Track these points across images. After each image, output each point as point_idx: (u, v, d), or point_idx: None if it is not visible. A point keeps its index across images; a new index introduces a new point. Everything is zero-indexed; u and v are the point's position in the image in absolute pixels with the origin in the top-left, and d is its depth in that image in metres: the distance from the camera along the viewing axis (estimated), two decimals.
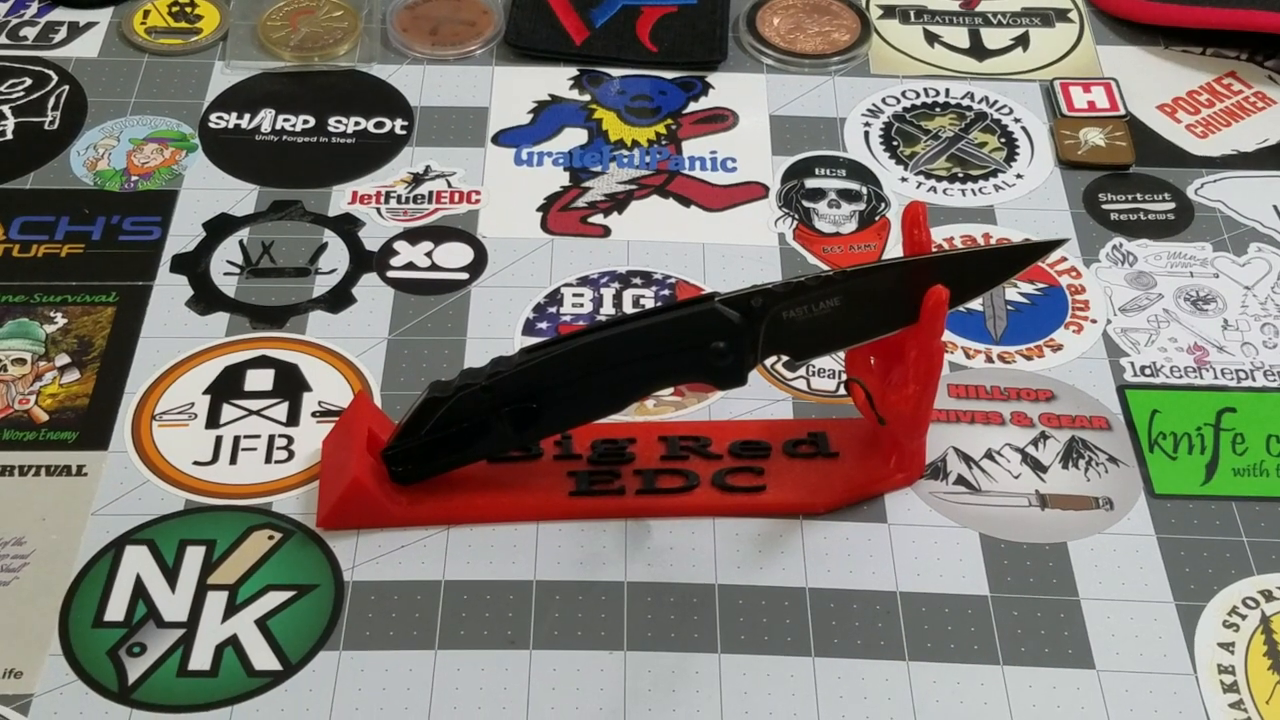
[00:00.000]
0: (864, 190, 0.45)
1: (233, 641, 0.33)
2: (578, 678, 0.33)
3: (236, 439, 0.37)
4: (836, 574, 0.35)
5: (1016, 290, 0.42)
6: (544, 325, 0.41)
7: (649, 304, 0.41)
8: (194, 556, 0.35)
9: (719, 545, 0.35)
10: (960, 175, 0.46)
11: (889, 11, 0.52)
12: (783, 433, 0.38)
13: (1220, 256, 0.44)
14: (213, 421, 0.38)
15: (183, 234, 0.43)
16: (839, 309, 0.34)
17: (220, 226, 0.43)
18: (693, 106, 0.48)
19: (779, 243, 0.44)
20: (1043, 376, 0.40)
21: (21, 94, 0.47)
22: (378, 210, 0.44)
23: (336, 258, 0.43)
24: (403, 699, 0.32)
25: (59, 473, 0.36)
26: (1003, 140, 0.47)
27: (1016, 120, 0.48)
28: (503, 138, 0.47)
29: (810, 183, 0.46)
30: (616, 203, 0.45)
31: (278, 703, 0.32)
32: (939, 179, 0.46)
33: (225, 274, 0.42)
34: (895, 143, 0.47)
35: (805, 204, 0.45)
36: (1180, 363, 0.40)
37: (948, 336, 0.40)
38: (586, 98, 0.48)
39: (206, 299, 0.41)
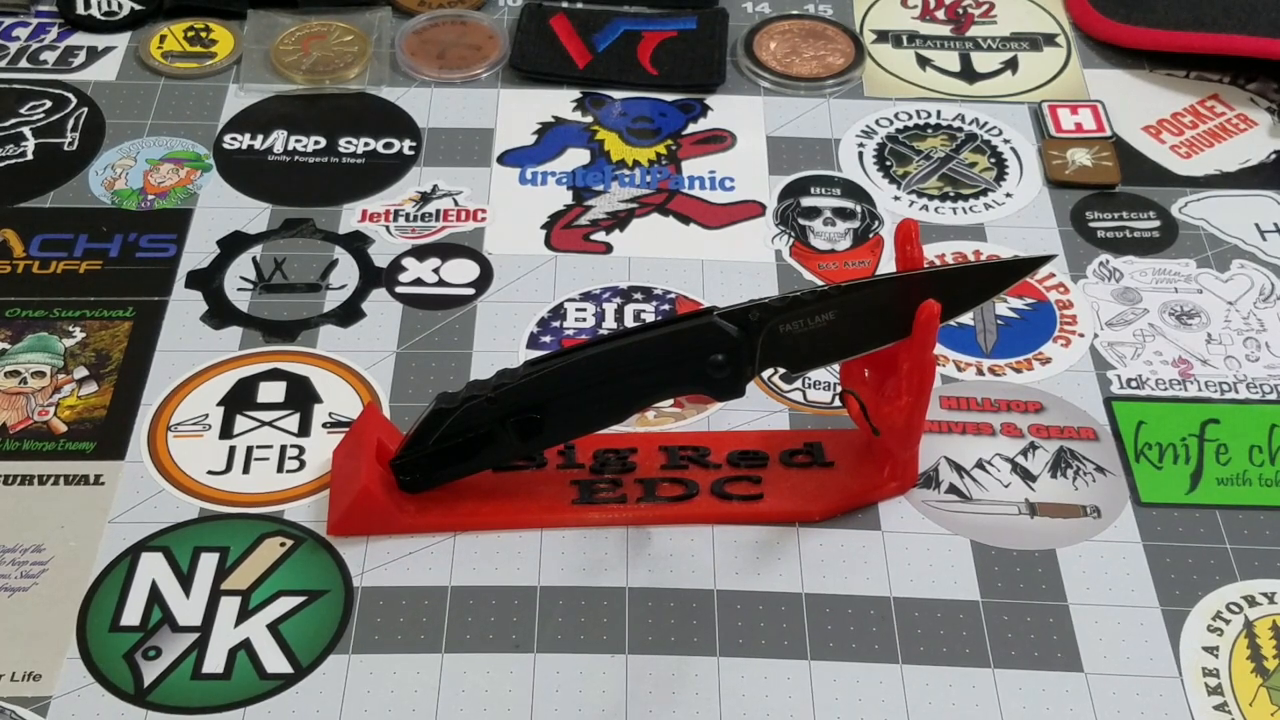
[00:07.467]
0: (858, 209, 0.46)
1: (245, 645, 0.34)
2: (580, 680, 0.33)
3: (249, 449, 0.38)
4: (832, 580, 0.36)
5: (1006, 305, 0.43)
6: (548, 339, 0.42)
7: (649, 318, 0.42)
8: (208, 563, 0.35)
9: (718, 552, 0.36)
10: (951, 194, 0.47)
11: (882, 36, 0.53)
12: (780, 443, 0.38)
13: (1204, 273, 0.44)
14: (226, 432, 0.39)
15: (197, 251, 0.44)
16: (834, 323, 0.35)
17: (234, 244, 0.44)
18: (692, 128, 0.49)
19: (776, 259, 0.44)
20: (1032, 389, 0.41)
21: (42, 116, 0.48)
22: (387, 228, 0.45)
23: (347, 274, 0.43)
24: (410, 701, 0.33)
25: (77, 482, 0.37)
26: (993, 160, 0.48)
27: (1006, 141, 0.49)
28: (508, 158, 0.48)
29: (806, 201, 0.46)
30: (618, 221, 0.46)
31: (289, 704, 0.33)
32: (931, 198, 0.47)
33: (239, 290, 0.43)
34: (888, 163, 0.48)
35: (801, 222, 0.46)
36: (1165, 375, 0.41)
37: (940, 350, 0.41)
38: (589, 119, 0.49)
39: (220, 314, 0.42)
